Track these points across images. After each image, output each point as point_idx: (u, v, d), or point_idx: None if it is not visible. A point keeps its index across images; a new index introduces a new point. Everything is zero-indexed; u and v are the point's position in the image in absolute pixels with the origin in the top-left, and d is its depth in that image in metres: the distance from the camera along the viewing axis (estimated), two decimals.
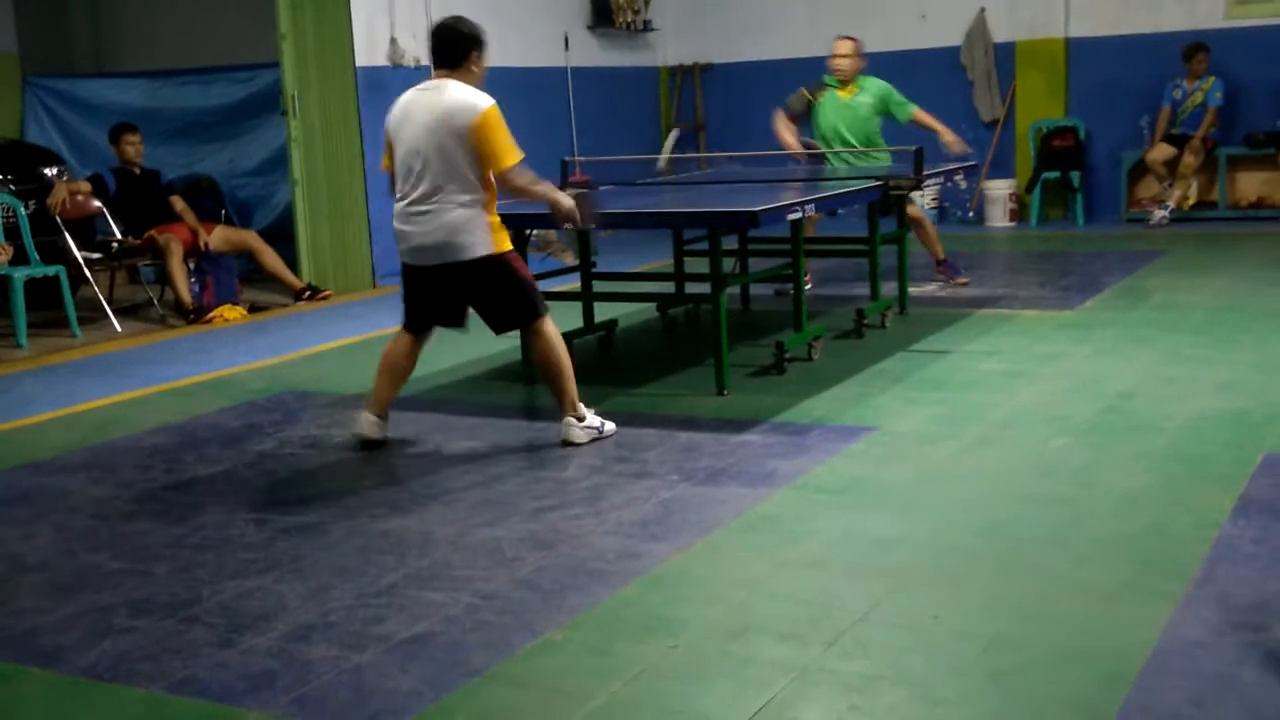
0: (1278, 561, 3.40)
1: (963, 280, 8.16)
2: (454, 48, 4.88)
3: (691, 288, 7.07)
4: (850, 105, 8.14)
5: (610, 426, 5.01)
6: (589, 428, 4.94)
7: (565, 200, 5.01)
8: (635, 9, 12.66)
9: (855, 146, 8.07)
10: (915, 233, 8.00)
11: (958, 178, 7.82)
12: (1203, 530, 3.65)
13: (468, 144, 4.71)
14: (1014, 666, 2.89)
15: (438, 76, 4.89)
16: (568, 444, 4.89)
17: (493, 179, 4.81)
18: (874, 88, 8.18)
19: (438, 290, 4.95)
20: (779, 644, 3.07)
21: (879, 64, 12.33)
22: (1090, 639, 3.00)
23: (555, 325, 5.02)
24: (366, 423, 5.03)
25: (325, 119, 9.35)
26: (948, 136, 8.00)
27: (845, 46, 8.24)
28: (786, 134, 8.19)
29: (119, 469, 4.97)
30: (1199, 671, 2.80)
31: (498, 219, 4.88)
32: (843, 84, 8.19)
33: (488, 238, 4.80)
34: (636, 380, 6.01)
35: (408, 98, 4.92)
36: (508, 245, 4.91)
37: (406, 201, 4.82)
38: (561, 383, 4.92)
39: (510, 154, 4.77)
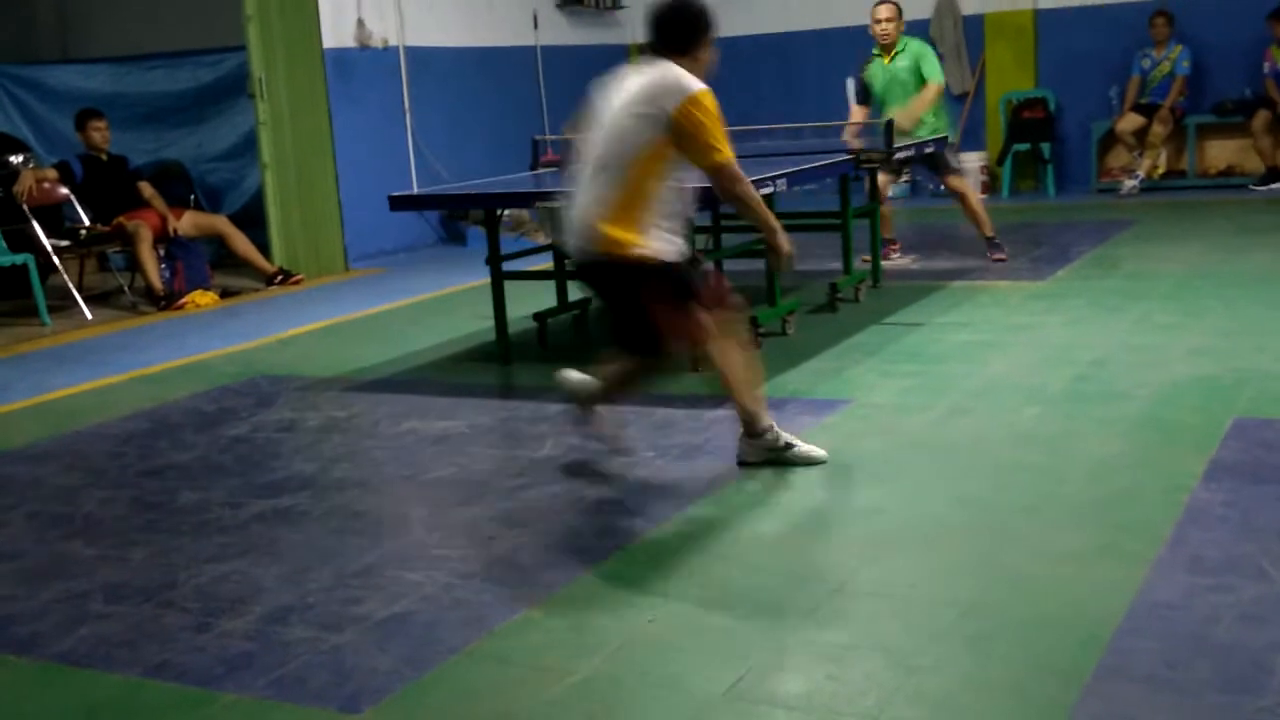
0: (1247, 524, 3.44)
1: (1001, 257, 7.87)
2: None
3: None
4: (892, 70, 7.92)
5: (814, 451, 4.19)
6: (761, 445, 4.17)
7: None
8: None
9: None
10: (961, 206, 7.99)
11: (929, 150, 7.78)
12: (1174, 494, 3.68)
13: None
14: (990, 632, 2.91)
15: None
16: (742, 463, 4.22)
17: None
18: (913, 48, 7.91)
19: None
20: (756, 615, 3.09)
21: (848, 39, 12.32)
22: (1065, 603, 3.03)
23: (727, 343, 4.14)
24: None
25: (294, 102, 9.29)
26: (902, 116, 7.59)
27: (884, 11, 7.95)
28: (856, 117, 8.02)
29: (92, 456, 4.94)
30: (1172, 633, 2.83)
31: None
32: (886, 50, 7.95)
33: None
34: (611, 358, 5.99)
35: None
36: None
37: None
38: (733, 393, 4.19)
39: None
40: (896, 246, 8.50)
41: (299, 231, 9.37)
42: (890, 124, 6.80)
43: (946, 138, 7.93)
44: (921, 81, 7.84)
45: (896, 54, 7.89)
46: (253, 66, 9.05)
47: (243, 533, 3.93)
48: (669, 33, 4.02)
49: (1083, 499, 3.74)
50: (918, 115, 7.73)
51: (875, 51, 8.02)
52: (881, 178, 8.17)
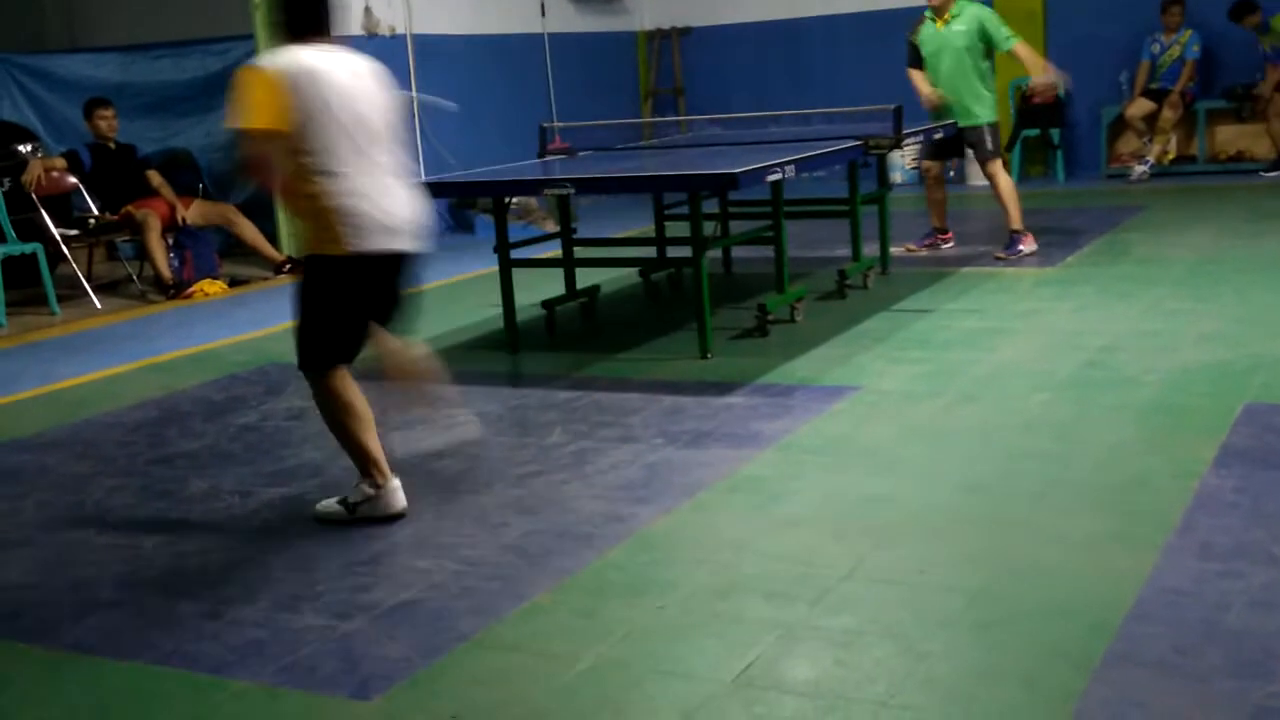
0: (1258, 510, 3.43)
1: (1002, 255, 7.51)
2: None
3: (673, 251, 7.06)
4: (944, 36, 7.48)
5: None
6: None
7: None
8: None
9: (952, 85, 7.48)
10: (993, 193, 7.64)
11: (937, 137, 7.72)
12: (1184, 480, 3.67)
13: None
14: (999, 619, 2.91)
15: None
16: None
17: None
18: (970, 13, 7.42)
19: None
20: (765, 602, 3.09)
21: (855, 24, 12.28)
22: (1074, 590, 3.02)
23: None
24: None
25: None
26: (1037, 74, 7.37)
27: None
28: (922, 84, 7.61)
29: (102, 445, 4.95)
30: (1181, 619, 2.82)
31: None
32: (937, 12, 7.51)
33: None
34: (620, 345, 6.01)
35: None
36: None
37: None
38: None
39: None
40: (948, 236, 8.09)
41: None
42: (899, 110, 6.77)
43: (992, 122, 7.65)
44: (980, 48, 7.44)
45: (952, 17, 7.47)
46: (260, 55, 9.03)
47: (252, 521, 3.94)
48: (327, 17, 3.90)
49: (1092, 485, 3.73)
50: (1042, 66, 7.38)
51: (927, 14, 7.62)
52: (926, 162, 7.99)
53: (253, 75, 3.75)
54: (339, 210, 3.69)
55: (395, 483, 3.88)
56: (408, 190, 3.89)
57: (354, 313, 3.85)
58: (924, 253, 7.98)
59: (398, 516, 3.85)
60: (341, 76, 3.76)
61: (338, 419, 3.85)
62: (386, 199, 3.78)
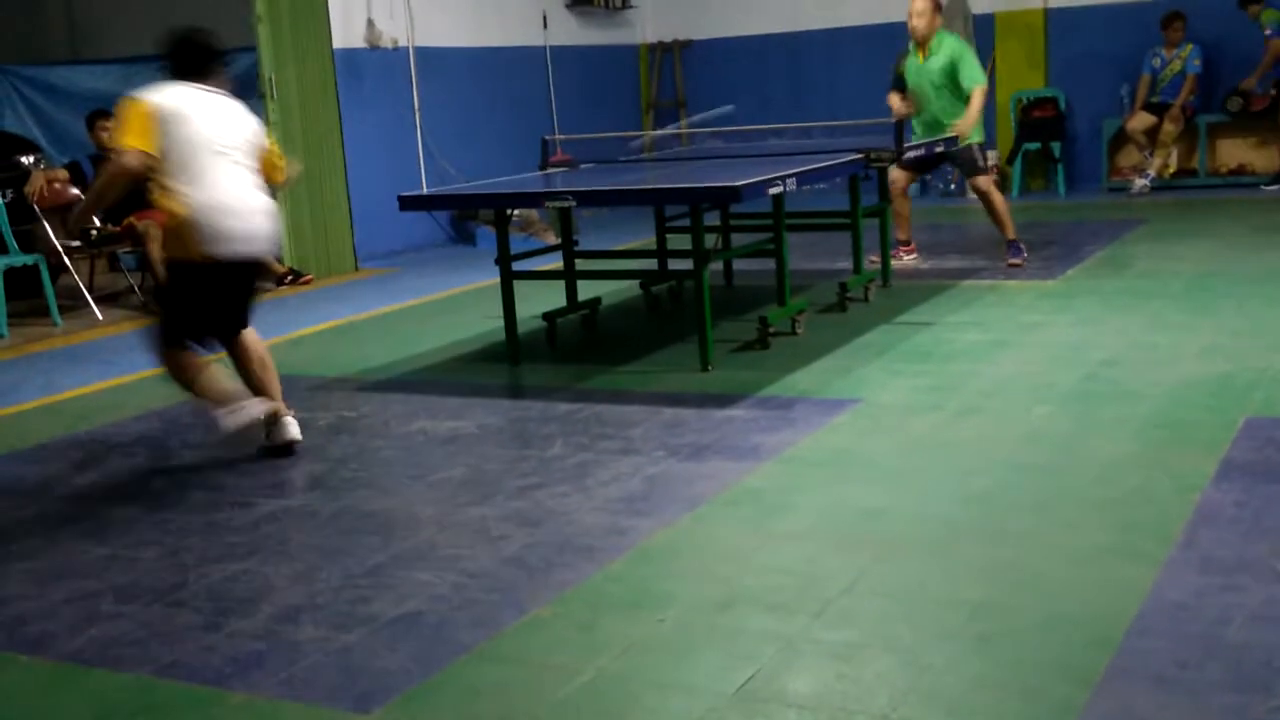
0: (1259, 524, 3.42)
1: (1017, 262, 7.62)
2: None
3: (675, 264, 7.07)
4: (925, 69, 7.62)
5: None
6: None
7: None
8: None
9: (933, 115, 7.63)
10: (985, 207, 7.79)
11: (938, 150, 7.73)
12: (1185, 494, 3.67)
13: None
14: (1000, 632, 2.90)
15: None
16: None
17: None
18: (948, 46, 7.59)
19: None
20: (766, 615, 3.08)
21: (857, 38, 12.32)
22: (1075, 603, 3.02)
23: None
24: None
25: (303, 102, 9.31)
26: (962, 123, 7.47)
27: (917, 4, 7.59)
28: (895, 101, 7.78)
29: (103, 456, 4.95)
30: (1182, 633, 2.82)
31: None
32: (919, 45, 7.67)
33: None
34: (621, 358, 6.01)
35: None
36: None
37: None
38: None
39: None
40: (911, 248, 8.16)
41: (309, 232, 9.39)
42: (900, 124, 6.79)
43: (980, 142, 7.69)
44: (954, 81, 7.54)
45: (931, 52, 7.61)
46: (263, 67, 9.07)
47: (252, 532, 3.93)
48: (206, 64, 4.94)
49: (1093, 498, 3.73)
50: (973, 125, 7.50)
51: (911, 46, 7.76)
52: (896, 173, 8.06)
53: (131, 105, 4.57)
54: (194, 222, 4.45)
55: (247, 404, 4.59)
56: (258, 205, 4.64)
57: (202, 306, 4.66)
58: (926, 265, 7.97)
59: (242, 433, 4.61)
60: (204, 111, 4.64)
61: (188, 380, 4.67)
62: (236, 212, 4.53)
